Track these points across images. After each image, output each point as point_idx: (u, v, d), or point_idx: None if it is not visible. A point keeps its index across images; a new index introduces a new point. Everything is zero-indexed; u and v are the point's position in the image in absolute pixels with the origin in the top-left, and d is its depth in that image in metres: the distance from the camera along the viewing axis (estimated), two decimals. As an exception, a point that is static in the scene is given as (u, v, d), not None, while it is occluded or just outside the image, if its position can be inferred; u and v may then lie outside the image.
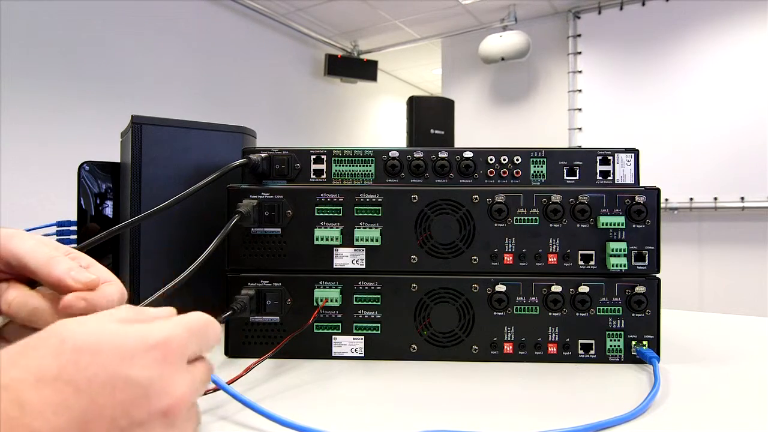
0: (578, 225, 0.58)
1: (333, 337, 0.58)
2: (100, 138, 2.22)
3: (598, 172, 0.60)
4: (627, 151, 0.60)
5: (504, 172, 0.60)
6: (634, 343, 0.57)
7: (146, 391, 0.24)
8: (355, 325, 0.58)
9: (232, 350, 0.59)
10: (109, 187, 0.84)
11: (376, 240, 0.57)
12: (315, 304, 0.58)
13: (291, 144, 0.62)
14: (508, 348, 0.58)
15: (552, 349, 0.57)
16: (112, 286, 0.34)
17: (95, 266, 0.35)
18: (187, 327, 0.28)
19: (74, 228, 0.84)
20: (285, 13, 3.92)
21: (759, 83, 3.12)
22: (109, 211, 0.84)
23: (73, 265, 0.33)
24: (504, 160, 0.60)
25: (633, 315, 0.57)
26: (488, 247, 0.58)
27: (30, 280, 0.34)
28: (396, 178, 0.61)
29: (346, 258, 0.58)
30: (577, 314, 0.57)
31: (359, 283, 0.58)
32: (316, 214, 0.58)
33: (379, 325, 0.58)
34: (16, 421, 0.21)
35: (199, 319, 0.29)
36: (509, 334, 0.58)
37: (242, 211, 0.56)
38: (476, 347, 0.58)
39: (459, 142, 3.06)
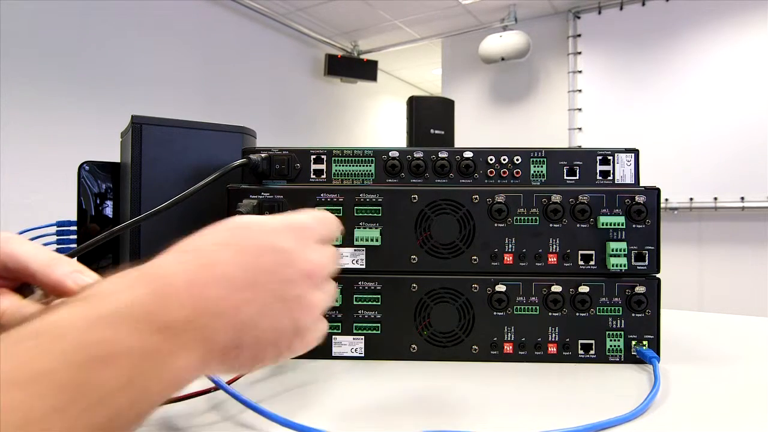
0: (578, 225, 0.58)
1: (333, 337, 0.58)
2: (100, 138, 2.22)
3: (598, 172, 0.60)
4: (627, 151, 0.60)
5: (504, 172, 0.60)
6: (634, 343, 0.57)
7: (290, 256, 0.31)
8: (355, 325, 0.58)
9: (232, 350, 0.59)
10: (109, 187, 0.84)
11: (376, 240, 0.57)
12: (315, 304, 0.57)
13: (291, 144, 0.62)
14: (508, 348, 0.58)
15: (552, 349, 0.57)
16: None
17: (86, 272, 0.36)
18: (317, 218, 0.35)
19: (74, 228, 0.84)
20: (285, 13, 3.92)
21: (759, 83, 3.12)
22: (109, 211, 0.84)
23: (74, 269, 0.34)
24: (504, 160, 0.60)
25: (633, 315, 0.57)
26: (488, 247, 0.58)
27: (20, 287, 0.34)
28: (396, 178, 0.61)
29: (346, 258, 0.58)
30: (577, 314, 0.57)
31: (359, 283, 0.58)
32: (316, 214, 0.58)
33: (379, 325, 0.58)
34: (209, 269, 0.28)
35: (325, 214, 0.37)
36: (509, 334, 0.58)
37: (242, 211, 0.56)
38: (476, 347, 0.58)
39: (459, 142, 3.05)
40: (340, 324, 0.58)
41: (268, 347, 0.30)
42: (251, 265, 0.30)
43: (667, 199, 3.28)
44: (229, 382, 0.47)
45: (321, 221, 0.36)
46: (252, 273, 0.30)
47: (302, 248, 0.32)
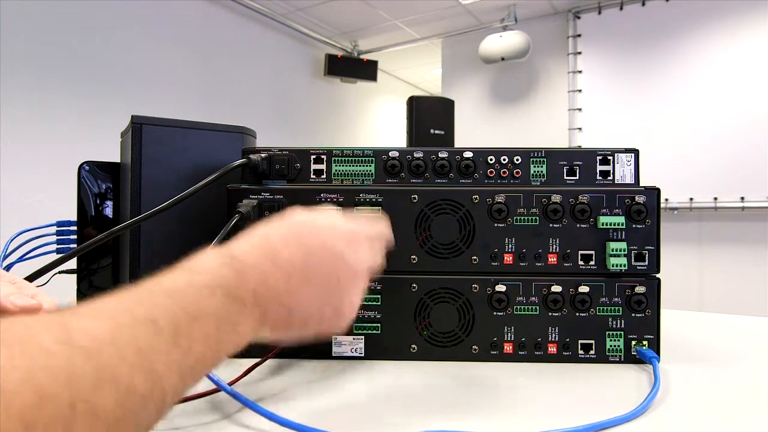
0: (578, 225, 0.57)
1: (333, 337, 0.58)
2: (100, 138, 2.22)
3: (598, 172, 0.60)
4: (627, 151, 0.60)
5: (504, 172, 0.60)
6: (634, 343, 0.57)
7: (339, 256, 0.38)
8: (355, 325, 0.58)
9: (232, 350, 0.59)
10: (109, 187, 0.84)
11: (376, 240, 0.57)
12: (315, 304, 0.57)
13: (291, 144, 0.62)
14: (508, 348, 0.58)
15: (552, 349, 0.57)
16: None
17: (41, 296, 0.36)
18: (366, 220, 0.42)
19: (74, 228, 0.84)
20: (285, 13, 3.92)
21: (759, 83, 3.12)
22: (109, 211, 0.84)
23: (14, 291, 0.34)
24: (504, 160, 0.60)
25: (633, 315, 0.57)
26: (488, 247, 0.58)
27: None
28: (396, 178, 0.61)
29: (346, 258, 0.58)
30: (577, 314, 0.57)
31: (359, 283, 0.58)
32: (316, 214, 0.58)
33: (379, 325, 0.58)
34: (274, 259, 0.35)
35: (376, 217, 0.45)
36: (509, 334, 0.58)
37: (242, 211, 0.56)
38: (476, 347, 0.58)
39: (459, 142, 3.06)
40: (340, 324, 0.58)
41: (311, 324, 0.38)
42: (307, 259, 0.36)
43: (667, 199, 3.27)
44: (231, 383, 0.47)
45: (370, 223, 0.43)
46: (307, 266, 0.36)
47: (350, 249, 0.39)
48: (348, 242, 0.39)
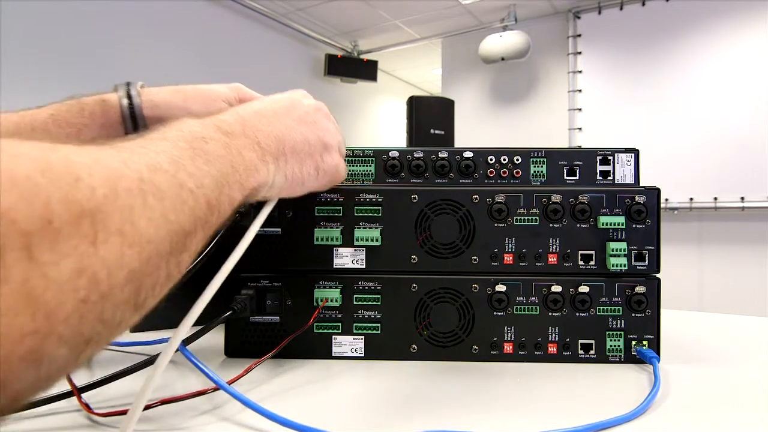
0: (578, 225, 0.57)
1: (333, 337, 0.58)
2: (100, 138, 2.22)
3: (598, 172, 0.60)
4: (627, 151, 0.60)
5: (504, 172, 0.60)
6: (634, 343, 0.57)
7: (297, 100, 0.49)
8: (355, 325, 0.58)
9: (232, 350, 0.59)
10: (109, 187, 0.83)
11: (376, 240, 0.57)
12: (315, 304, 0.57)
13: (291, 144, 0.62)
14: (508, 348, 0.58)
15: (552, 349, 0.57)
16: None
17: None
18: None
19: (74, 228, 0.84)
20: (285, 13, 3.92)
21: (759, 83, 3.12)
22: (109, 211, 0.83)
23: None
24: (504, 160, 0.60)
25: (633, 315, 0.57)
26: (488, 247, 0.58)
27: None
28: (396, 178, 0.61)
29: (346, 258, 0.58)
30: (577, 314, 0.57)
31: (359, 283, 0.58)
32: (316, 214, 0.58)
33: (379, 325, 0.58)
34: (246, 110, 0.43)
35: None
36: (509, 334, 0.58)
37: (242, 211, 0.56)
38: (476, 347, 0.58)
39: (459, 142, 3.06)
40: (340, 324, 0.58)
41: (306, 158, 0.45)
42: (272, 107, 0.45)
43: (667, 199, 3.28)
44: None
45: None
46: (274, 110, 0.44)
47: (303, 97, 0.49)
48: (296, 95, 0.49)
